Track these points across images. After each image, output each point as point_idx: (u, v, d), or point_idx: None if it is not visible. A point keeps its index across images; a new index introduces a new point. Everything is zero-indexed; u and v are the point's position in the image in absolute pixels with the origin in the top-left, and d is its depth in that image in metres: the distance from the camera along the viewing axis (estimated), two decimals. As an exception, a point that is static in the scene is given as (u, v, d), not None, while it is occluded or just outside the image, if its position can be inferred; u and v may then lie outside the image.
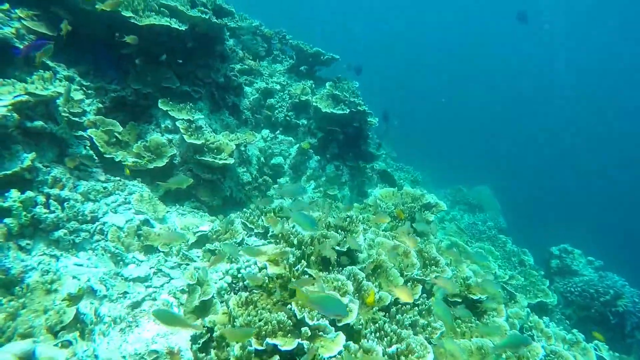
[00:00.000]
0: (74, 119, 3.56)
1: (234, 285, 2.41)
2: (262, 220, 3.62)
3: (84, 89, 3.85)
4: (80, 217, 2.93)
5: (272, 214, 3.62)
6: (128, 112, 4.11)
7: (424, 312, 2.87)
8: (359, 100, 6.21)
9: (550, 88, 37.19)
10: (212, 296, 2.34)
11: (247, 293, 2.23)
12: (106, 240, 2.92)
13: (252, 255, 2.34)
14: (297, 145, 5.98)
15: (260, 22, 6.72)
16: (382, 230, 4.04)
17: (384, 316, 2.69)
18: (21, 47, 3.35)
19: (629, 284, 6.94)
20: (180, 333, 2.13)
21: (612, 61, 35.17)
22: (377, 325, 2.41)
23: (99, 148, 3.58)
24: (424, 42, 40.26)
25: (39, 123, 3.01)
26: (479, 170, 18.55)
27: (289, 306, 2.12)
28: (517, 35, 34.89)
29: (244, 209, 3.89)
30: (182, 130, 3.85)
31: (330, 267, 2.96)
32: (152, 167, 3.79)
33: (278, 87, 6.21)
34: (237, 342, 1.96)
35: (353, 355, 2.06)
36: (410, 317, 2.63)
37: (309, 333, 2.05)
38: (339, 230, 3.37)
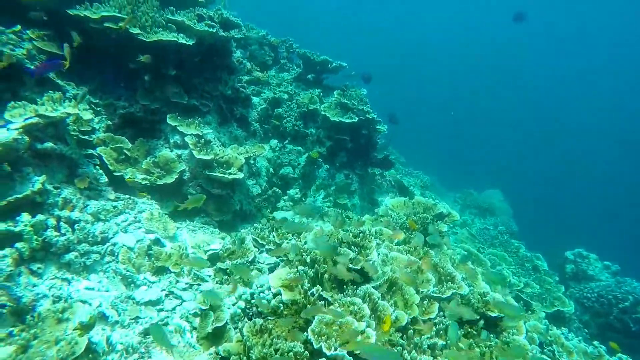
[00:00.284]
0: (83, 137, 3.55)
1: (247, 310, 2.36)
2: (273, 236, 3.58)
3: (93, 106, 3.84)
4: (90, 239, 2.90)
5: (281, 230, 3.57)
6: (137, 127, 4.10)
7: (441, 332, 2.79)
8: (367, 107, 6.15)
9: (564, 89, 36.67)
10: (226, 322, 2.29)
11: (262, 320, 2.18)
12: (117, 262, 2.89)
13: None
14: (306, 154, 5.94)
15: (267, 31, 6.70)
16: (396, 244, 3.96)
17: (401, 337, 2.62)
18: (32, 67, 3.36)
19: (648, 290, 6.76)
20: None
21: (631, 62, 34.43)
22: (395, 350, 2.34)
23: (109, 166, 3.56)
24: (431, 43, 40.04)
25: (49, 144, 2.99)
26: (488, 173, 18.37)
27: (305, 333, 2.06)
28: (528, 36, 34.57)
29: (255, 224, 3.85)
30: (191, 146, 3.82)
31: (345, 286, 2.90)
32: (162, 183, 3.76)
33: (286, 96, 6.17)
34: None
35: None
36: (427, 340, 2.55)
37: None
38: (352, 247, 3.31)
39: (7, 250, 2.46)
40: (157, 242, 3.22)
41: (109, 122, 3.84)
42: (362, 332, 2.16)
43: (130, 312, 2.48)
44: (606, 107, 34.68)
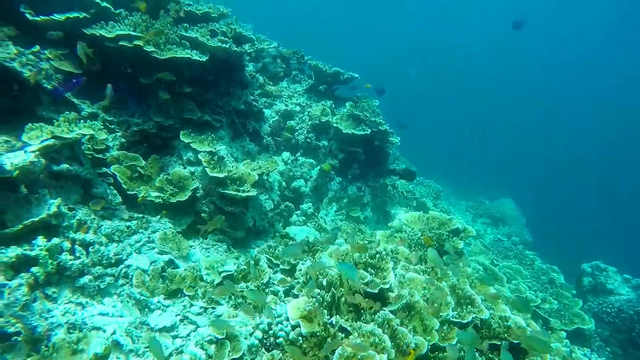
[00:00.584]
0: (97, 155, 3.55)
1: (265, 340, 2.30)
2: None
3: (107, 123, 3.84)
4: (105, 261, 2.87)
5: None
6: (150, 144, 4.09)
7: (462, 361, 2.69)
8: (379, 119, 6.07)
9: (577, 93, 35.96)
10: (243, 353, 2.23)
11: (280, 353, 2.12)
12: (131, 286, 2.86)
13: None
14: (318, 167, 5.88)
15: (278, 43, 6.68)
16: (412, 264, 3.87)
17: (422, 367, 2.53)
18: (59, 87, 3.39)
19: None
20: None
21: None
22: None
23: (122, 185, 3.55)
24: (438, 46, 39.75)
25: (64, 166, 2.99)
26: (499, 180, 18.05)
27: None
28: (534, 39, 34.13)
29: (269, 243, 3.80)
30: (204, 163, 3.79)
31: (362, 310, 2.83)
32: (175, 201, 3.73)
33: (298, 108, 6.14)
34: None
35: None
36: (450, 370, 2.46)
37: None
38: (369, 268, 3.24)
39: (23, 277, 2.44)
40: (170, 263, 3.18)
41: (123, 140, 3.83)
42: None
43: (145, 339, 2.43)
44: (626, 111, 33.81)
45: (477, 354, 2.69)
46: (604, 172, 27.24)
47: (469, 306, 3.19)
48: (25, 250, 2.54)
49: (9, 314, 2.14)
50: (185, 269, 3.13)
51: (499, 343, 3.08)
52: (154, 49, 3.75)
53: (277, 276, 3.36)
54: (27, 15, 3.40)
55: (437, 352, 2.75)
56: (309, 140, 5.97)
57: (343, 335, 2.31)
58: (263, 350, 2.26)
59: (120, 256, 2.99)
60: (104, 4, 3.78)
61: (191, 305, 2.89)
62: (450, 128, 30.51)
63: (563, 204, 20.98)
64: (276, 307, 2.52)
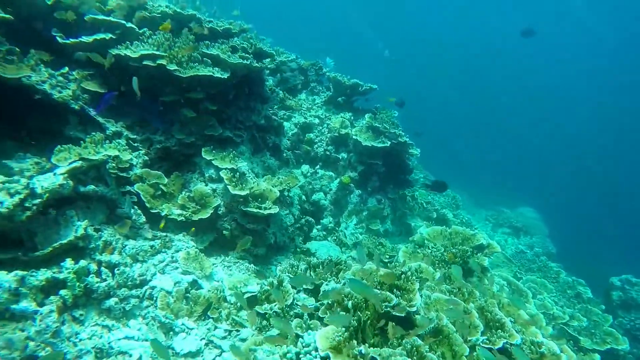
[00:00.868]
0: (121, 174, 3.58)
1: (292, 371, 2.25)
2: (312, 276, 3.47)
3: (131, 141, 3.89)
4: (129, 283, 2.88)
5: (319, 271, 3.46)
6: (172, 161, 4.12)
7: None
8: (399, 130, 6.01)
9: (601, 99, 34.90)
10: (270, 383, 2.19)
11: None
12: (155, 307, 2.85)
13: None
14: (338, 179, 5.84)
15: (297, 55, 6.71)
16: (436, 283, 3.78)
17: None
18: (77, 107, 3.46)
19: None
20: None
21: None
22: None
23: (146, 203, 3.57)
24: (451, 51, 39.31)
25: (91, 187, 3.02)
26: (519, 187, 17.64)
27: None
28: (553, 44, 33.40)
29: (291, 262, 3.76)
30: (226, 181, 3.78)
31: (389, 335, 2.75)
32: (197, 218, 3.74)
33: (316, 120, 6.12)
34: None
35: None
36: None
37: None
38: (394, 290, 3.16)
39: (52, 300, 2.46)
40: (194, 283, 3.17)
41: (146, 158, 3.86)
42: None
43: (171, 365, 2.41)
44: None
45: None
46: (629, 178, 26.27)
47: (499, 330, 3.08)
48: (54, 273, 2.56)
49: (40, 341, 2.16)
50: (208, 290, 3.12)
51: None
52: (176, 68, 3.78)
53: (301, 296, 3.31)
54: (58, 39, 3.48)
55: (467, 381, 2.65)
56: (328, 152, 5.94)
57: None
58: (290, 380, 2.21)
59: (144, 277, 2.99)
60: (129, 24, 3.84)
61: (215, 327, 2.86)
62: (466, 134, 30.07)
63: (585, 212, 20.31)
64: (303, 335, 2.47)
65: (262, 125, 4.83)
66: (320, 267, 3.62)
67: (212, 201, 3.84)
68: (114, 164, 3.59)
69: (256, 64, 4.37)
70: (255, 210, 3.75)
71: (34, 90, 3.28)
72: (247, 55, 4.37)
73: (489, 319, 3.27)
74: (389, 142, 5.80)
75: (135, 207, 3.40)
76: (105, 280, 2.76)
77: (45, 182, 2.68)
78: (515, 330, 3.16)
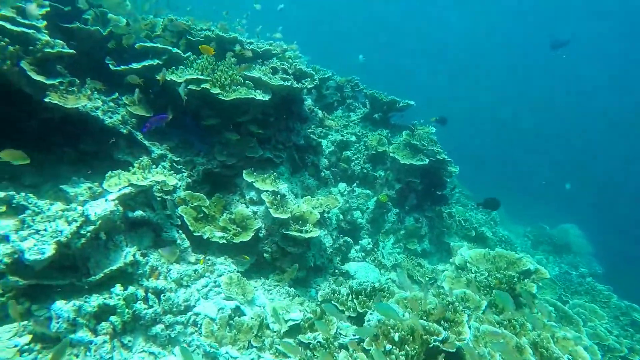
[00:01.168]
0: (166, 197, 3.64)
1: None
2: (354, 303, 3.38)
3: (174, 164, 3.96)
4: (175, 309, 2.89)
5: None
6: (214, 182, 4.16)
7: None
8: (437, 148, 5.84)
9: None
10: None
11: None
12: (200, 335, 2.85)
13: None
14: (375, 198, 5.72)
15: (333, 72, 6.70)
16: (484, 313, 3.58)
17: None
18: (125, 131, 3.56)
19: None
20: None
21: None
22: None
23: (189, 226, 3.61)
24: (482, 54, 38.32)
25: (139, 213, 3.08)
26: (559, 202, 16.77)
27: None
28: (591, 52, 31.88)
29: (332, 287, 3.69)
30: (267, 204, 3.77)
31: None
32: (238, 241, 3.73)
33: (353, 138, 6.06)
34: None
35: None
36: None
37: None
38: (442, 322, 3.01)
39: (104, 327, 2.50)
40: (237, 309, 3.15)
41: (189, 180, 3.92)
42: None
43: (217, 399, 2.38)
44: None
45: None
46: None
47: (559, 371, 2.86)
48: (105, 299, 2.60)
49: (93, 372, 2.18)
50: (251, 317, 3.08)
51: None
52: (220, 91, 3.83)
53: (345, 324, 3.23)
54: (110, 66, 3.61)
55: None
56: (365, 170, 5.85)
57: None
58: None
59: (188, 302, 3.00)
60: (175, 50, 3.95)
61: (259, 357, 2.82)
62: (502, 147, 29.07)
63: (630, 229, 19.00)
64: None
65: (301, 145, 4.81)
66: (363, 293, 3.53)
67: (253, 224, 3.84)
68: (159, 187, 3.66)
69: (296, 85, 4.37)
70: (296, 233, 3.71)
71: (88, 117, 3.41)
72: (287, 76, 4.38)
73: (545, 357, 3.05)
74: (427, 160, 5.64)
75: (180, 231, 3.44)
76: (152, 307, 2.78)
77: (98, 209, 2.75)
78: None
